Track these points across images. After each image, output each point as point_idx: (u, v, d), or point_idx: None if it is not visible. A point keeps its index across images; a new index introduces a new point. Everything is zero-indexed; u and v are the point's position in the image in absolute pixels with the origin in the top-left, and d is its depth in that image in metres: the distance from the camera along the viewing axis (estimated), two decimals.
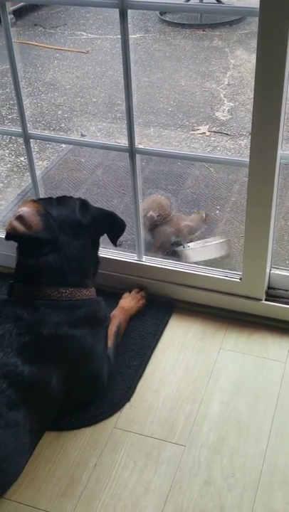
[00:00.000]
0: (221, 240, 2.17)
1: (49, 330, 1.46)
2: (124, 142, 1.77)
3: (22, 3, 4.81)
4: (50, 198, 1.65)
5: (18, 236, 1.53)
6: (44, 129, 3.32)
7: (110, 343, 1.69)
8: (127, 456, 1.48)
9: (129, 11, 1.46)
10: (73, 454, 1.49)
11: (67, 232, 1.54)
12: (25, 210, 1.54)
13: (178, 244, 2.22)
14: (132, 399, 1.62)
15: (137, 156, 1.73)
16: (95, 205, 1.69)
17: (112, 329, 1.74)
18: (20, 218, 1.52)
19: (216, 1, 4.96)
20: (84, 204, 1.63)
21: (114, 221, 1.68)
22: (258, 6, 1.32)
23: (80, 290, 1.55)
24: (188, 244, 2.22)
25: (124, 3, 1.42)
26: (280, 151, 1.55)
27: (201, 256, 2.03)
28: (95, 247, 1.66)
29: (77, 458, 1.48)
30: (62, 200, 1.63)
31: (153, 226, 2.22)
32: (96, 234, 1.64)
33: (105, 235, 1.70)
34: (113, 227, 1.68)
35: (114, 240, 1.72)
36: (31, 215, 1.53)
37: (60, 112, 3.53)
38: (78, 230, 1.56)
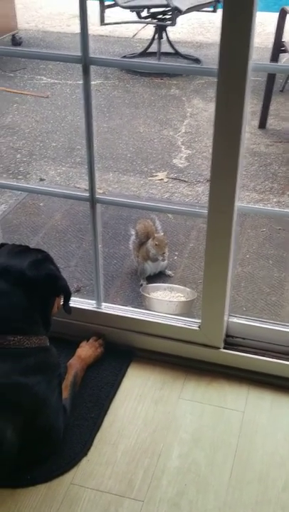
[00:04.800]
0: (188, 299, 2.17)
1: None
2: (83, 186, 1.78)
3: None
4: (15, 245, 1.64)
5: None
6: (2, 173, 3.31)
7: (66, 393, 1.66)
8: None
9: None
10: None
11: (9, 280, 1.52)
12: None
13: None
14: (90, 453, 1.58)
15: (98, 204, 1.74)
16: (54, 259, 1.66)
17: (69, 379, 1.71)
18: None
19: (174, 52, 5.13)
20: (42, 260, 1.60)
21: (57, 285, 1.59)
22: (216, 67, 1.37)
23: (29, 338, 1.52)
24: (157, 293, 2.23)
25: (87, 59, 1.46)
26: (237, 203, 1.59)
27: (164, 309, 2.03)
28: (45, 302, 1.59)
29: None
30: (23, 250, 1.62)
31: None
32: (45, 290, 1.57)
33: None
34: (57, 290, 1.61)
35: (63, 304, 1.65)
36: None
37: (18, 156, 3.53)
38: (21, 280, 1.53)
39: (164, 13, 4.96)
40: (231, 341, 1.85)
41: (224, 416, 1.69)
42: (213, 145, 1.49)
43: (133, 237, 2.52)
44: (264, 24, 5.49)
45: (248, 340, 1.84)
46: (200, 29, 6.18)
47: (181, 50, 5.25)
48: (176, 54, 5.15)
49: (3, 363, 1.45)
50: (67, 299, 1.63)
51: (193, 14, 5.32)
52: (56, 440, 1.56)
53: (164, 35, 5.04)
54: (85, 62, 1.47)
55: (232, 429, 1.65)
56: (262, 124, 3.84)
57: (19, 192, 3.00)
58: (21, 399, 1.46)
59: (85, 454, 1.57)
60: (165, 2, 4.67)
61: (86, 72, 1.49)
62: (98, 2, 4.76)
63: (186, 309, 2.10)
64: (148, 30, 5.52)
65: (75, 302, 1.92)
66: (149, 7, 4.99)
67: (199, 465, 1.55)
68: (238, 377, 1.81)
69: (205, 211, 1.62)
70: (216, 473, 1.53)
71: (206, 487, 1.49)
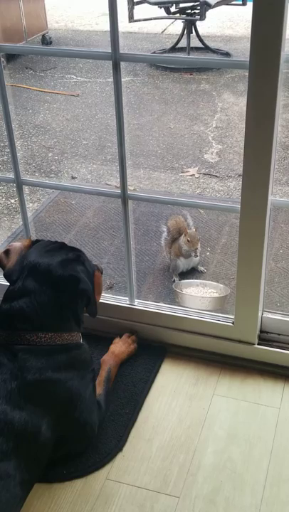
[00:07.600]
0: (221, 295, 2.15)
1: (33, 375, 1.43)
2: (114, 184, 1.78)
3: None
4: (49, 242, 1.64)
5: (2, 268, 1.58)
6: (35, 171, 3.35)
7: (101, 389, 1.67)
8: (120, 509, 1.43)
9: None
10: (64, 507, 1.45)
11: (37, 278, 1.51)
12: (15, 245, 1.60)
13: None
14: (125, 448, 1.58)
15: (129, 201, 1.74)
16: (88, 256, 1.65)
17: (102, 375, 1.72)
18: (7, 251, 1.58)
19: (203, 46, 5.10)
20: (72, 260, 1.56)
21: (78, 288, 1.53)
22: (247, 59, 1.35)
23: (60, 335, 1.52)
24: (189, 289, 2.22)
25: (117, 56, 1.46)
26: (270, 197, 1.57)
27: (196, 305, 2.02)
28: (74, 301, 1.56)
29: None
30: (57, 248, 1.61)
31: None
32: (72, 289, 1.53)
33: None
34: (78, 293, 1.55)
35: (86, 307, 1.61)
36: (15, 252, 1.57)
37: (50, 155, 3.57)
38: (48, 278, 1.51)
39: (192, 7, 4.94)
40: (266, 337, 1.83)
41: (259, 412, 1.68)
42: (246, 139, 1.47)
43: (165, 234, 2.51)
44: None
45: (283, 336, 1.82)
46: (229, 23, 6.13)
47: (211, 44, 5.22)
48: (206, 48, 5.12)
49: (36, 360, 1.46)
50: (87, 303, 1.59)
51: (223, 8, 5.28)
52: (91, 435, 1.57)
53: (193, 30, 5.02)
54: (115, 59, 1.47)
55: (268, 426, 1.63)
56: None
57: (51, 190, 3.03)
58: (55, 394, 1.47)
59: (120, 449, 1.58)
60: None
61: (116, 69, 1.49)
62: None
63: (219, 305, 2.09)
64: (177, 26, 5.51)
65: (108, 299, 1.93)
66: (177, 2, 4.98)
67: (235, 462, 1.54)
68: (273, 373, 1.79)
69: (237, 206, 1.60)
70: (252, 470, 1.52)
71: (242, 484, 1.48)
